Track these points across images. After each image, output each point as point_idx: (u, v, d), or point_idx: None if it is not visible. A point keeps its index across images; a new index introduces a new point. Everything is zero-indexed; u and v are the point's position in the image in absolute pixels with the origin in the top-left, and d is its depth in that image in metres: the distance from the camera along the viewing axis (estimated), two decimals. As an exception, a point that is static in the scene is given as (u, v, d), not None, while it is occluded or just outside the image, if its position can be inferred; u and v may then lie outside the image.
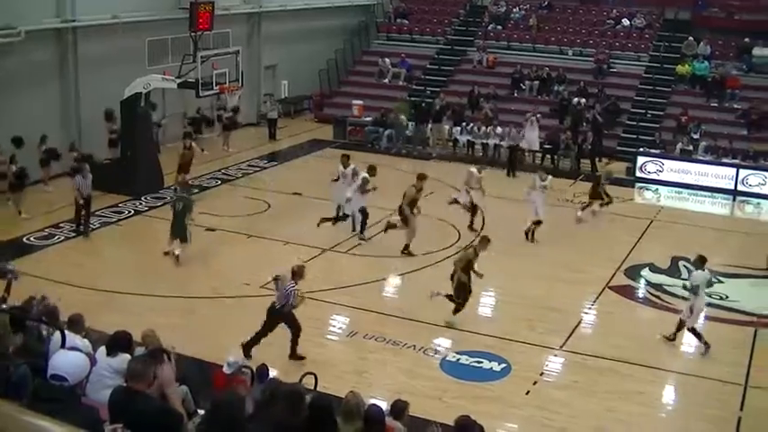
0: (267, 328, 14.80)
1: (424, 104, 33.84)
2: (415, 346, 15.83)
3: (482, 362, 15.34)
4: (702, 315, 16.66)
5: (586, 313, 17.90)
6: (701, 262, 16.45)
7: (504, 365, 15.20)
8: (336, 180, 22.43)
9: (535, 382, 14.71)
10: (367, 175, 21.34)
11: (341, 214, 21.76)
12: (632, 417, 13.84)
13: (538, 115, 30.83)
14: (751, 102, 31.36)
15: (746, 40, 33.68)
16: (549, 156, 30.39)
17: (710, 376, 15.28)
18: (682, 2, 36.14)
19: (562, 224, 23.11)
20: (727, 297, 18.92)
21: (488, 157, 30.66)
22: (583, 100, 32.45)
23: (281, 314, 14.76)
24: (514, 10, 38.88)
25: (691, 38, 34.48)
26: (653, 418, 14.10)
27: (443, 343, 16.14)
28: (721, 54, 34.09)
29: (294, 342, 14.89)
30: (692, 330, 16.17)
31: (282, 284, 14.77)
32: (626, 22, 36.78)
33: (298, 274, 14.81)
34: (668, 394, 15.14)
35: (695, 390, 15.02)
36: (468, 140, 31.55)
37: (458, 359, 15.45)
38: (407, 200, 20.60)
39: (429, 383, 14.48)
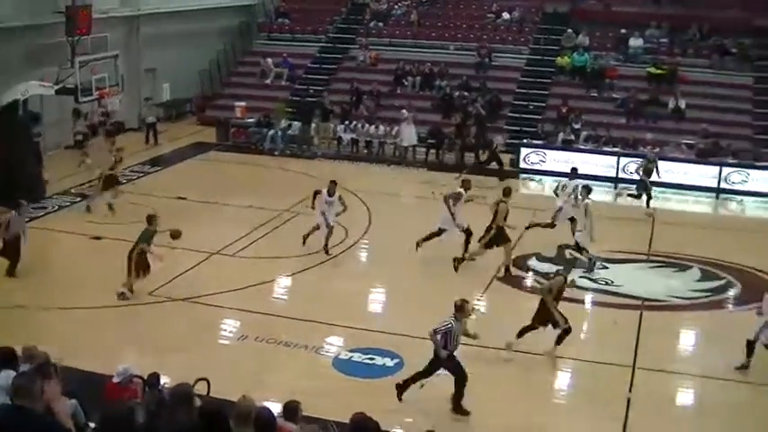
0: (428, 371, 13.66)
1: (308, 103, 33.54)
2: (307, 346, 15.58)
3: (375, 358, 15.18)
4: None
5: (476, 305, 17.84)
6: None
7: (397, 360, 15.06)
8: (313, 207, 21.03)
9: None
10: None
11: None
12: (530, 404, 13.89)
13: (412, 112, 30.98)
14: (628, 91, 32.04)
15: (623, 31, 34.45)
16: (433, 150, 30.45)
17: (600, 360, 15.44)
18: (560, -5, 36.75)
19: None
20: (612, 282, 19.22)
21: (373, 154, 30.70)
22: (465, 94, 32.61)
23: (442, 361, 13.45)
24: (395, 6, 38.81)
25: (570, 30, 35.04)
26: (548, 404, 14.20)
27: (335, 341, 15.91)
28: (599, 45, 34.72)
29: (458, 393, 13.50)
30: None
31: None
32: (506, 15, 37.09)
33: (461, 309, 13.53)
34: (561, 380, 15.23)
35: (586, 374, 15.18)
36: (353, 138, 31.39)
37: (350, 357, 15.25)
38: (502, 215, 19.55)
39: (323, 383, 14.24)
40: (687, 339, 17.17)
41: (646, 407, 13.88)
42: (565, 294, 15.75)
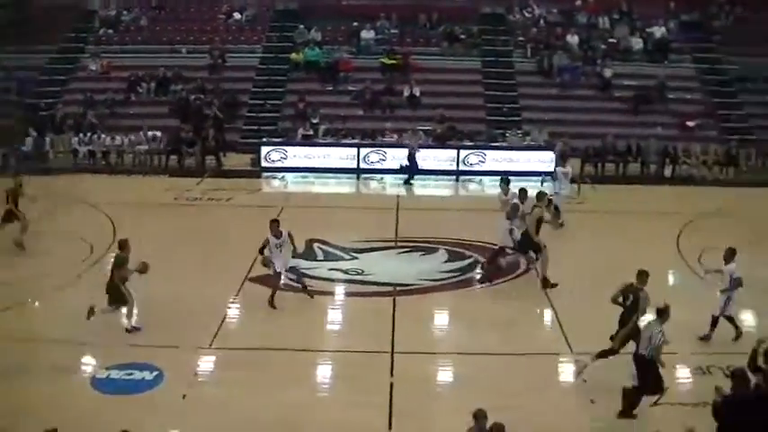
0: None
1: (41, 117, 31.60)
2: (62, 369, 14.40)
3: (133, 373, 14.32)
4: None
5: (230, 308, 17.28)
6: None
7: (156, 373, 14.28)
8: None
9: (191, 385, 13.96)
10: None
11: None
12: (293, 399, 13.52)
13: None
14: (364, 83, 32.38)
15: (354, 24, 34.88)
16: (174, 156, 29.48)
17: (359, 349, 15.34)
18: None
19: (189, 224, 22.54)
20: (362, 272, 19.16)
21: (111, 165, 29.35)
22: (201, 96, 31.83)
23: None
24: (124, 12, 37.25)
25: (302, 26, 35.00)
26: (312, 397, 13.88)
27: (90, 361, 14.84)
28: (332, 39, 34.94)
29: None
30: None
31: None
32: (237, 15, 36.54)
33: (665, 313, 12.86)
34: (322, 372, 14.94)
35: (347, 364, 14.97)
36: (89, 150, 29.80)
37: (108, 375, 14.29)
38: (533, 220, 18.31)
39: (83, 404, 13.29)
40: (440, 320, 17.30)
41: (408, 389, 13.88)
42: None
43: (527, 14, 35.90)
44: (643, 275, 14.25)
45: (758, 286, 16.59)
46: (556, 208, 21.14)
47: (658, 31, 34.75)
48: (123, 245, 16.21)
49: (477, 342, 15.64)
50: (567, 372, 14.90)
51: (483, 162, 28.32)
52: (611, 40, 34.67)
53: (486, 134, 29.88)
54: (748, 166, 28.96)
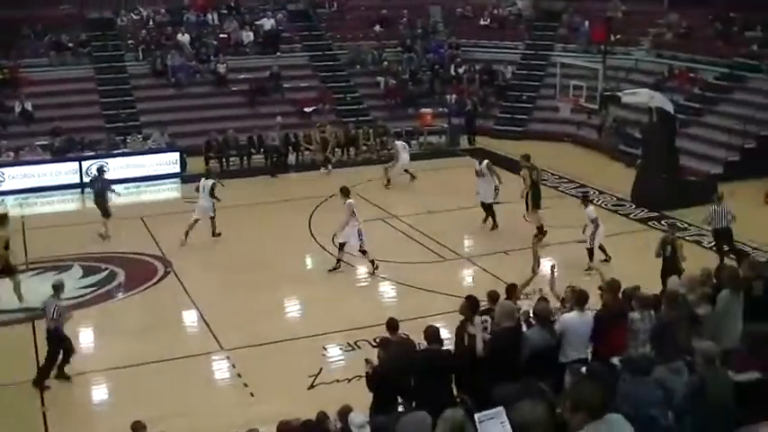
0: None
1: None
2: None
3: None
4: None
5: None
6: None
7: None
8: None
9: None
10: None
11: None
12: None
13: None
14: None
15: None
16: None
17: (3, 382, 14.51)
18: None
19: None
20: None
21: None
22: None
23: None
24: None
25: None
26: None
27: None
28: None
29: None
30: None
31: None
32: None
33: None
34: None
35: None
36: None
37: None
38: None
39: None
40: (86, 337, 16.66)
41: (64, 416, 13.58)
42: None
43: (135, 17, 35.39)
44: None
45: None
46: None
47: (268, 23, 35.82)
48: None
49: (130, 354, 15.40)
50: (222, 369, 15.16)
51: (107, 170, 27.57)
52: (222, 35, 35.20)
53: (106, 142, 29.11)
54: (367, 145, 30.61)
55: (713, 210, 18.63)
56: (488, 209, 22.10)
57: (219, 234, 21.49)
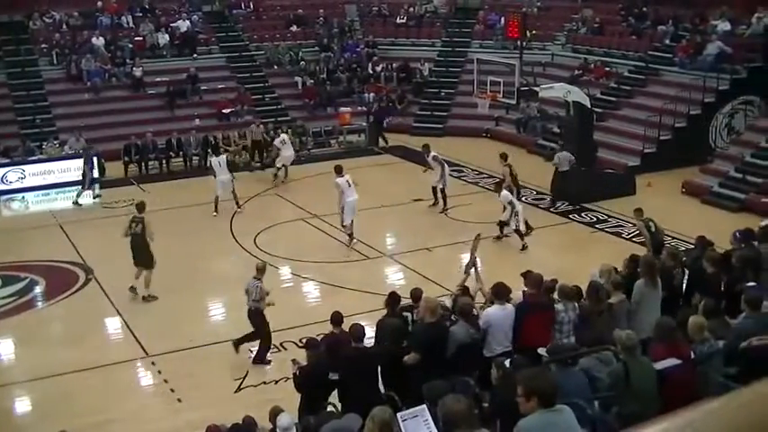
0: None
1: None
2: None
3: None
4: None
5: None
6: None
7: None
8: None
9: None
10: None
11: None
12: None
13: None
14: None
15: None
16: None
17: None
18: None
19: None
20: None
21: None
22: None
23: None
24: None
25: None
26: None
27: None
28: None
29: None
30: None
31: None
32: None
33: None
34: None
35: None
36: None
37: None
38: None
39: None
40: (7, 348, 16.59)
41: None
42: None
43: (48, 20, 34.76)
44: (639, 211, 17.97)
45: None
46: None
47: (183, 25, 35.54)
48: None
49: (54, 363, 15.26)
50: (148, 375, 15.16)
51: (24, 178, 27.16)
52: (137, 38, 34.80)
53: (22, 149, 28.59)
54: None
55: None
56: (439, 193, 23.50)
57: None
